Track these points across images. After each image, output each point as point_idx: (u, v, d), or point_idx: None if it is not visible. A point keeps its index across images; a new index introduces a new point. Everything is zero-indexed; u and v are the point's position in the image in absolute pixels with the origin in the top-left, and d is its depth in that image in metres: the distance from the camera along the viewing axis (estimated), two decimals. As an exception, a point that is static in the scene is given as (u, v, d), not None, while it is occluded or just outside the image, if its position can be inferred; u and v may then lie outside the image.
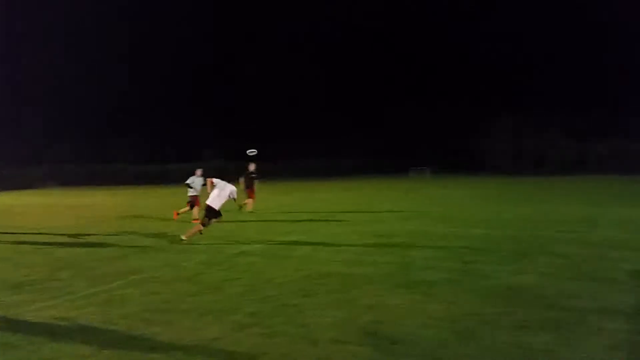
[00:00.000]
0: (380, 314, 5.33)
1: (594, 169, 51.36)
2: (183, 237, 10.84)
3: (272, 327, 5.00)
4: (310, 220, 14.99)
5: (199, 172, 15.45)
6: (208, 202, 10.97)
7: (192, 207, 15.10)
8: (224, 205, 11.06)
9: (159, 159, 61.29)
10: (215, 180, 11.19)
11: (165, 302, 6.05)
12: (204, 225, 11.03)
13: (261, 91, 75.26)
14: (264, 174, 17.68)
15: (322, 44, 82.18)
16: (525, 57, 74.84)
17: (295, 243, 10.50)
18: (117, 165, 57.73)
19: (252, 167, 17.78)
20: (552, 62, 72.62)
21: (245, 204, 17.41)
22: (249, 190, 17.54)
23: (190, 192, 15.18)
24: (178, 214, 15.42)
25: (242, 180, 17.81)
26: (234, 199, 11.50)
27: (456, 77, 78.63)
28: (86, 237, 12.26)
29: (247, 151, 18.86)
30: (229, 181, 11.38)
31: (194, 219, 14.24)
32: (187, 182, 15.34)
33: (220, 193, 10.95)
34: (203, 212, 11.37)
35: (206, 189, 11.63)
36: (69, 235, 12.36)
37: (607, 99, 60.66)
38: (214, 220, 11.07)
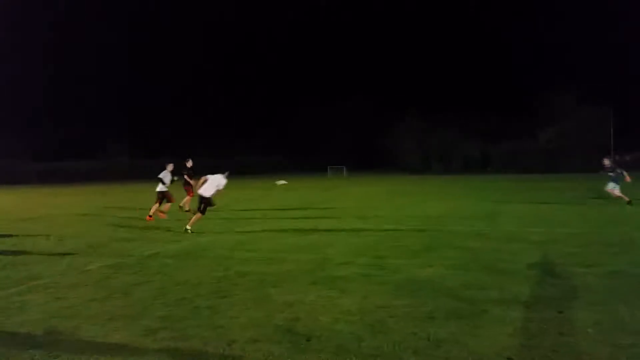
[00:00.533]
0: (296, 311, 5.35)
1: (496, 167, 55.08)
2: (188, 227, 11.79)
3: (184, 330, 4.86)
4: (227, 219, 14.75)
5: (169, 167, 15.53)
6: (200, 191, 11.89)
7: (161, 202, 14.96)
8: (214, 194, 12.00)
9: (58, 156, 57.63)
10: (208, 176, 12.07)
11: (69, 308, 5.69)
12: (202, 213, 11.96)
13: (176, 86, 73.24)
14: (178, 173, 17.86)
15: (238, 43, 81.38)
16: (433, 61, 78.74)
17: (211, 243, 10.28)
18: (14, 163, 53.57)
19: (189, 163, 17.35)
20: (456, 68, 76.98)
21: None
22: (187, 187, 17.30)
23: (160, 188, 15.05)
24: (150, 216, 14.71)
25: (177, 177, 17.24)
26: (219, 190, 12.15)
27: (368, 78, 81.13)
28: (-23, 241, 11.22)
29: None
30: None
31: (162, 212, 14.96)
32: (160, 176, 15.20)
33: (211, 183, 11.91)
34: (198, 202, 12.12)
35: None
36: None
37: (507, 102, 65.22)
38: (208, 207, 12.04)
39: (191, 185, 16.73)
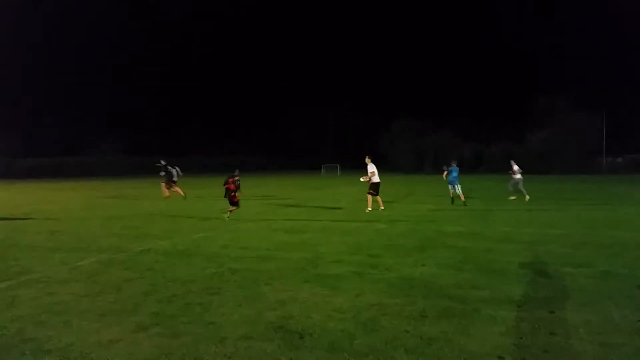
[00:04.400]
0: (289, 309, 5.34)
1: (488, 168, 55.33)
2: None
3: (175, 327, 4.84)
4: (219, 217, 14.70)
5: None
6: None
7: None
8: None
9: (50, 152, 57.33)
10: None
11: (61, 304, 5.66)
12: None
13: (168, 85, 72.91)
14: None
15: (234, 43, 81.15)
16: (428, 64, 79.07)
17: (203, 240, 10.25)
18: (6, 159, 53.21)
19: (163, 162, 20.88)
20: (451, 71, 77.32)
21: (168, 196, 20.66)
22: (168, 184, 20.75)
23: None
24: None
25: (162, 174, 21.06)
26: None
27: (364, 79, 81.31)
28: (-33, 236, 11.13)
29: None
30: None
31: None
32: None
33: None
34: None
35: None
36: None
37: (500, 105, 65.68)
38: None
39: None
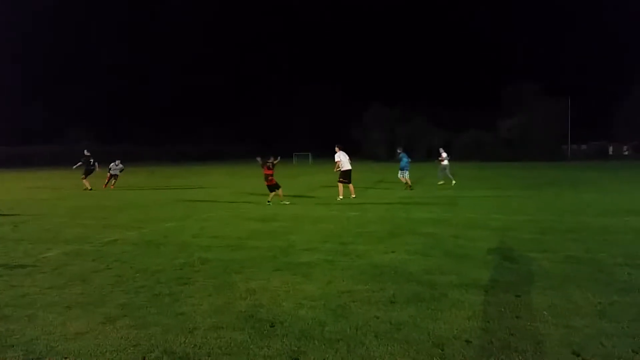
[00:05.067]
0: (259, 298, 5.33)
1: (458, 156, 56.08)
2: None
3: (144, 317, 4.77)
4: (190, 206, 14.54)
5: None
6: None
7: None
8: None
9: (18, 141, 55.72)
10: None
11: (25, 296, 5.51)
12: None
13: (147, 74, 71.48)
14: (144, 159, 19.88)
15: (209, 32, 79.85)
16: (399, 52, 79.29)
17: (173, 229, 10.13)
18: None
19: (86, 151, 21.73)
20: (422, 59, 77.69)
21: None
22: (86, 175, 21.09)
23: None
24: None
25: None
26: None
27: (335, 67, 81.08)
28: None
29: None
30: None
31: None
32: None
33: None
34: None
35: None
36: None
37: (470, 93, 66.46)
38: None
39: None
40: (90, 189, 20.39)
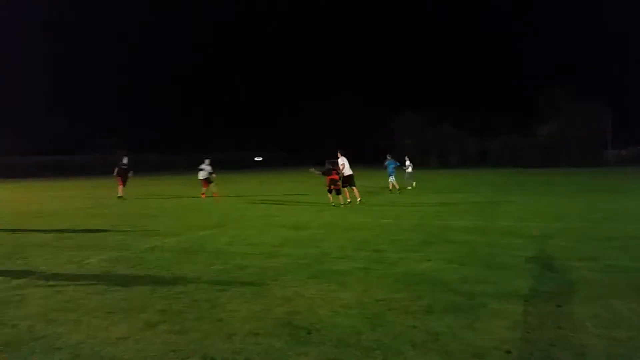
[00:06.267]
0: (296, 305, 5.37)
1: (494, 162, 55.18)
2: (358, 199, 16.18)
3: (183, 323, 4.87)
4: (223, 213, 14.75)
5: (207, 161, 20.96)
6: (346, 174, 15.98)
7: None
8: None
9: (52, 150, 57.53)
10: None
11: (70, 301, 5.70)
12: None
13: (167, 82, 73.11)
14: (175, 167, 20.14)
15: (233, 42, 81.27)
16: (430, 55, 78.70)
17: (209, 237, 10.29)
18: (9, 157, 53.38)
19: (125, 159, 21.35)
20: (454, 63, 76.81)
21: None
22: (119, 178, 20.87)
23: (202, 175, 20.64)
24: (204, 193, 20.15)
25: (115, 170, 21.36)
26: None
27: (365, 72, 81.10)
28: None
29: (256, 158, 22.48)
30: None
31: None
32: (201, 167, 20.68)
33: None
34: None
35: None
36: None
37: (505, 98, 65.29)
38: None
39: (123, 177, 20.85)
40: (121, 196, 20.65)
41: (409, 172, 24.09)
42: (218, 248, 8.97)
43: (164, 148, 60.53)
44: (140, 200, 20.69)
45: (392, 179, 21.45)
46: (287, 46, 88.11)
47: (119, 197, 20.46)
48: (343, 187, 16.25)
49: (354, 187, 16.53)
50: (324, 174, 15.99)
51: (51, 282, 6.62)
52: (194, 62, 77.89)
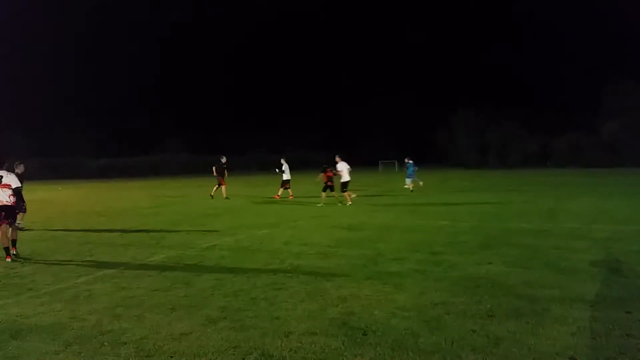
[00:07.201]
0: (352, 305, 5.37)
1: (556, 162, 52.98)
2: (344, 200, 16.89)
3: (242, 320, 4.98)
4: (279, 214, 14.96)
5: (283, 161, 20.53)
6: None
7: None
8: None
9: (117, 152, 60.23)
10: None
11: (134, 297, 5.96)
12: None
13: (229, 85, 74.83)
14: (233, 167, 20.13)
15: (291, 43, 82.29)
16: (488, 52, 76.32)
17: (266, 236, 10.47)
18: (77, 159, 56.36)
19: (223, 159, 20.95)
20: (514, 59, 74.03)
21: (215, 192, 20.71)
22: (220, 177, 20.67)
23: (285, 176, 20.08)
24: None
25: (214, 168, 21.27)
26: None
27: (422, 70, 79.84)
28: (49, 232, 11.93)
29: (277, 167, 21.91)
30: None
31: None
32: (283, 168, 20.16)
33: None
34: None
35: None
36: (32, 231, 12.01)
37: (568, 95, 62.37)
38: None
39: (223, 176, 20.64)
40: (227, 197, 20.77)
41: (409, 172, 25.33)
42: (275, 247, 9.11)
43: (227, 149, 62.08)
44: (201, 200, 21.31)
45: (409, 180, 23.22)
46: (340, 43, 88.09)
47: (225, 198, 20.45)
48: (342, 191, 17.20)
49: (346, 193, 17.30)
50: (321, 171, 17.68)
51: (116, 279, 6.94)
52: (248, 65, 79.41)
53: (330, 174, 17.26)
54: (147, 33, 77.55)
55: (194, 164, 60.38)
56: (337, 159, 17.53)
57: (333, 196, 17.60)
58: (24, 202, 10.46)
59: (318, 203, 16.99)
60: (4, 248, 8.45)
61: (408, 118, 72.20)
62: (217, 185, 20.95)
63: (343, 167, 17.16)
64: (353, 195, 17.55)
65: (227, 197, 20.49)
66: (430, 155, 64.28)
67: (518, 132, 57.76)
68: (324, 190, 17.24)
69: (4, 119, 55.93)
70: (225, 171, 20.93)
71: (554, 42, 76.46)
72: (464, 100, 62.96)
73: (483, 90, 68.97)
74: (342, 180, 17.12)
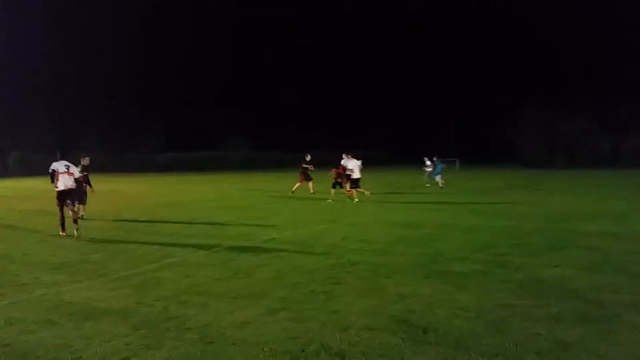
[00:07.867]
0: (411, 303, 5.32)
1: (628, 162, 49.78)
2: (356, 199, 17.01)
3: (301, 312, 5.05)
4: (337, 210, 15.00)
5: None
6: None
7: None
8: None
9: (183, 147, 62.34)
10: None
11: (198, 285, 6.18)
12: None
13: (291, 80, 75.70)
14: (292, 165, 20.32)
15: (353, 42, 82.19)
16: (554, 43, 72.47)
17: (324, 232, 10.54)
18: (145, 153, 58.92)
19: (308, 157, 20.92)
20: (583, 50, 69.73)
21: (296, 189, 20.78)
22: (303, 176, 20.92)
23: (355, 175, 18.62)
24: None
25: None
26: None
27: (485, 62, 77.31)
28: (119, 222, 12.56)
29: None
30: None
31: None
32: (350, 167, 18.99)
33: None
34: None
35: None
36: (103, 221, 12.70)
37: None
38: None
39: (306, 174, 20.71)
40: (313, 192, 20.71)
41: (429, 172, 26.84)
42: (332, 243, 9.15)
43: (288, 145, 62.91)
44: (262, 193, 21.73)
45: (438, 177, 24.29)
46: (401, 36, 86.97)
47: (311, 192, 20.51)
48: (351, 187, 17.50)
49: (358, 189, 17.49)
50: (332, 168, 18.39)
51: (181, 267, 7.22)
52: (305, 61, 79.91)
53: (341, 170, 17.75)
54: (213, 32, 79.65)
55: (255, 159, 61.86)
56: (346, 156, 17.97)
57: (343, 193, 18.02)
58: (85, 190, 13.11)
59: (327, 199, 17.31)
60: (61, 224, 10.43)
61: (470, 113, 70.05)
62: (299, 182, 20.95)
63: (354, 165, 17.39)
64: (367, 193, 17.65)
65: (293, 192, 20.68)
66: (493, 153, 62.28)
67: (590, 129, 54.53)
68: (334, 186, 17.87)
69: (80, 118, 59.54)
70: (309, 167, 20.92)
71: (625, 29, 70.88)
72: (532, 92, 59.97)
73: (553, 81, 65.49)
74: (352, 177, 17.42)
